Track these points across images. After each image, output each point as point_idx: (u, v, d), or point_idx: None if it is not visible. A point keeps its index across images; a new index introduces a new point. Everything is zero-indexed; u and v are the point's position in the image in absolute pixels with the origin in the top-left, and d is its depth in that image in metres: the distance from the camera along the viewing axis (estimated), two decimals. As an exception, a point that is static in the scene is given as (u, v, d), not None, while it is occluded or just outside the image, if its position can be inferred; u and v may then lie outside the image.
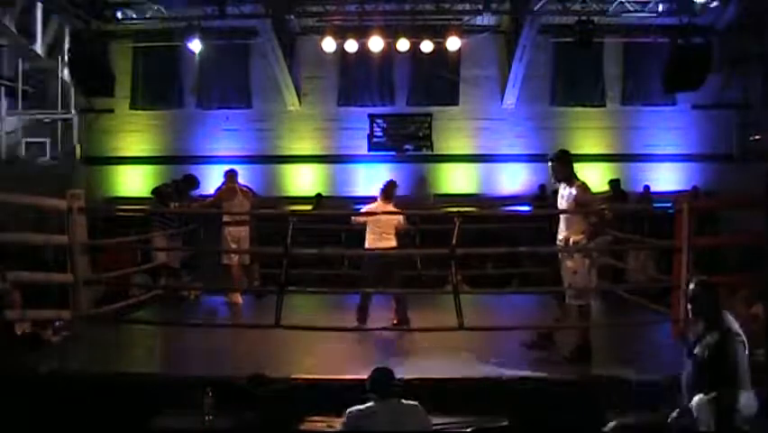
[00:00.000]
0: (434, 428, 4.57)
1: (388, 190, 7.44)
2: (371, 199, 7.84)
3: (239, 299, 8.56)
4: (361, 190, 13.98)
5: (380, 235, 7.17)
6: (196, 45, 12.42)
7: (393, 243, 7.16)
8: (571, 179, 6.08)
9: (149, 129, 14.76)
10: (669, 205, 8.06)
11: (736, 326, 4.35)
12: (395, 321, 7.01)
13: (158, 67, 14.41)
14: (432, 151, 14.37)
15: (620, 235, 8.30)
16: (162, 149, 14.68)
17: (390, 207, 7.34)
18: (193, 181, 9.36)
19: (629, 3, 12.54)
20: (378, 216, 7.24)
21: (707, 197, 12.36)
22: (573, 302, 6.08)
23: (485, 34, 14.03)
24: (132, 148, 14.70)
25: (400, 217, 7.32)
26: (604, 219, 6.08)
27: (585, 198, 5.97)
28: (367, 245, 7.26)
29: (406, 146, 14.51)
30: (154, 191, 9.55)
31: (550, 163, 6.14)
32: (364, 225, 7.34)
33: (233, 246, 8.48)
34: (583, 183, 6.06)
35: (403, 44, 12.39)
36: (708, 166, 14.07)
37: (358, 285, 7.52)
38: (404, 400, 4.29)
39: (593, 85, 14.32)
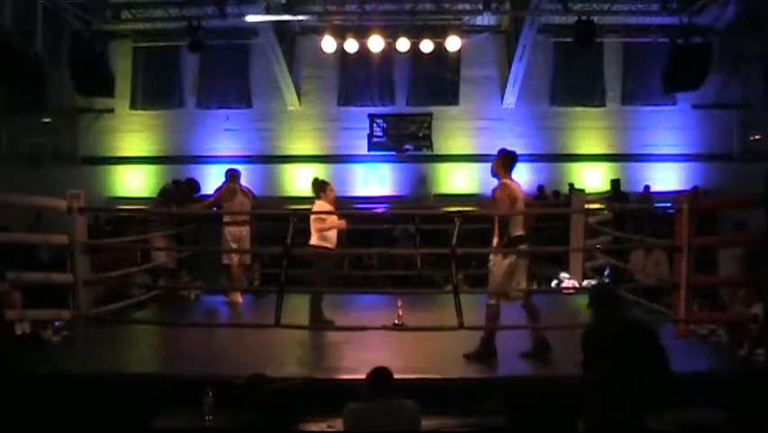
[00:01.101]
0: (435, 428, 4.57)
1: (312, 188, 7.42)
2: (371, 199, 7.83)
3: (239, 298, 8.55)
4: (360, 190, 14.00)
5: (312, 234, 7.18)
6: (196, 45, 12.40)
7: (312, 240, 7.11)
8: (499, 177, 6.09)
9: (149, 129, 14.78)
10: (669, 205, 8.06)
11: None
12: (395, 321, 7.01)
13: (158, 67, 14.43)
14: (432, 151, 14.38)
15: (621, 235, 8.31)
16: (162, 149, 14.70)
17: (320, 205, 7.28)
18: (195, 186, 9.35)
19: (629, 3, 12.54)
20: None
21: (707, 197, 12.36)
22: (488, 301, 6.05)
23: (485, 34, 14.04)
24: (132, 148, 14.71)
25: (322, 216, 7.15)
26: (509, 222, 5.94)
27: (496, 196, 5.99)
28: None
29: (407, 146, 14.51)
30: (161, 191, 9.48)
31: None
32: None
33: (234, 246, 8.47)
34: (504, 183, 6.03)
35: (403, 44, 12.38)
36: (708, 166, 14.08)
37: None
38: (402, 401, 4.29)
39: (593, 85, 14.33)
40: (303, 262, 7.70)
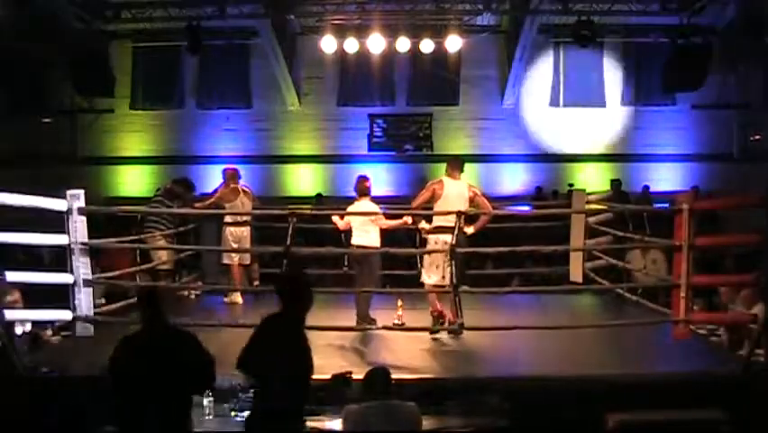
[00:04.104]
0: (434, 428, 4.57)
1: (357, 187, 7.42)
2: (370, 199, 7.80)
3: (239, 299, 8.55)
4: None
5: (355, 233, 7.18)
6: (195, 47, 12.36)
7: (363, 240, 7.12)
8: None
9: (149, 129, 14.78)
10: (669, 205, 8.05)
11: None
12: (395, 321, 7.00)
13: (158, 67, 14.43)
14: (432, 151, 14.37)
15: (620, 235, 8.30)
16: (162, 149, 14.70)
17: (362, 203, 7.28)
18: (191, 186, 9.33)
19: (629, 3, 12.52)
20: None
21: (707, 197, 12.33)
22: None
23: (485, 34, 14.02)
24: (132, 148, 14.71)
25: (377, 214, 7.19)
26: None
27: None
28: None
29: (406, 146, 14.51)
30: (161, 192, 9.42)
31: None
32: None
33: (235, 246, 8.46)
34: (438, 179, 6.94)
35: (403, 44, 12.36)
36: (708, 166, 14.07)
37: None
38: (401, 402, 4.29)
39: (593, 85, 14.32)
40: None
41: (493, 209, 7.30)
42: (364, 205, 7.27)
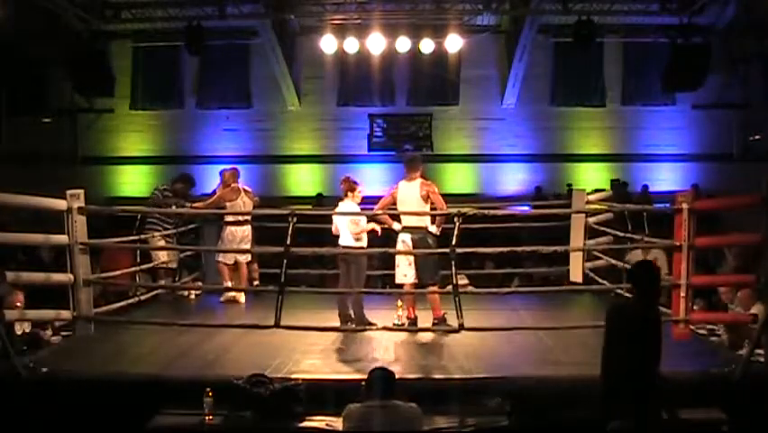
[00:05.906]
0: (434, 428, 4.57)
1: (342, 186, 7.42)
2: (371, 199, 7.80)
3: (241, 299, 8.54)
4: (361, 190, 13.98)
5: (342, 234, 7.19)
6: (194, 49, 12.34)
7: (346, 242, 7.12)
8: None
9: (149, 129, 14.79)
10: (668, 205, 8.04)
11: None
12: (395, 321, 7.00)
13: (158, 67, 14.44)
14: (432, 151, 14.38)
15: (621, 235, 8.29)
16: (162, 149, 14.70)
17: (349, 205, 7.29)
18: (190, 182, 9.31)
19: (629, 3, 12.52)
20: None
21: (707, 197, 12.33)
22: None
23: (485, 34, 14.03)
24: (131, 148, 14.72)
25: (351, 217, 7.15)
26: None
27: None
28: None
29: (406, 146, 14.50)
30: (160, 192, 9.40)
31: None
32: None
33: (236, 246, 8.45)
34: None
35: (403, 44, 12.36)
36: (708, 166, 14.08)
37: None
38: (403, 402, 4.28)
39: (593, 85, 14.33)
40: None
41: (489, 209, 7.40)
42: (347, 206, 7.26)
